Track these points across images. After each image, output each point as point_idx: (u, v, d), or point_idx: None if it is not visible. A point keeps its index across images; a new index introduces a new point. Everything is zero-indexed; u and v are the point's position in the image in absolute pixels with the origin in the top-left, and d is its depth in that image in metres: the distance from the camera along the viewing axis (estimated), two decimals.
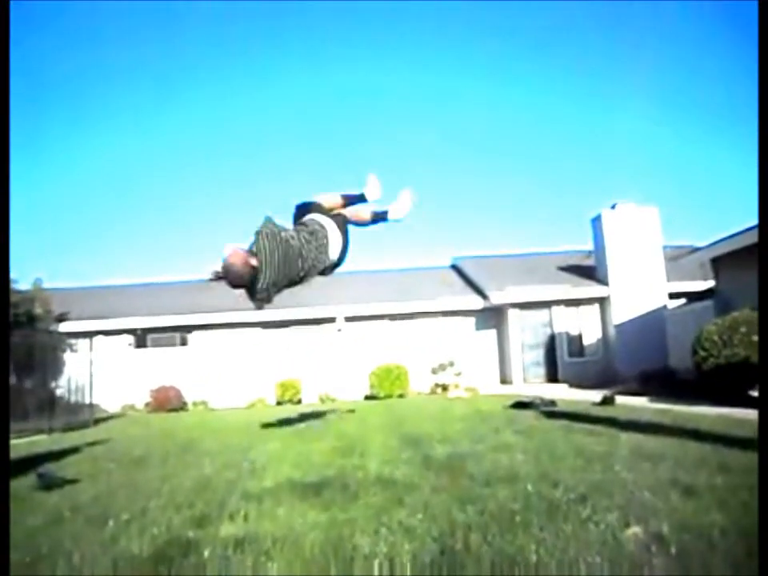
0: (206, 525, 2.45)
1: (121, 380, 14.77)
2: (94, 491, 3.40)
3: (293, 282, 3.69)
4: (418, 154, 34.05)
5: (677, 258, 12.56)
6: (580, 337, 15.53)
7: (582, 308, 15.58)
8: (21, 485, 3.61)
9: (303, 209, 3.90)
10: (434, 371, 14.67)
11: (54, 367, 11.27)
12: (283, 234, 3.53)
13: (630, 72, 29.46)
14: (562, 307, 15.57)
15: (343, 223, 3.86)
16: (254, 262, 3.35)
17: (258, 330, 16.07)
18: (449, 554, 1.88)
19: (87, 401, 11.09)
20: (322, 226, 3.73)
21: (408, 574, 1.77)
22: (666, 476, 2.81)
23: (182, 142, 34.86)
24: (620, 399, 8.24)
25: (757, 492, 2.08)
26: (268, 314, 14.87)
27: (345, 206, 4.03)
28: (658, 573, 1.64)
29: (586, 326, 15.57)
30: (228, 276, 3.38)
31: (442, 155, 35.38)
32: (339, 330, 15.95)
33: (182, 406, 14.18)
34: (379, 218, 4.13)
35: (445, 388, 14.23)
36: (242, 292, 3.56)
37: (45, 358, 10.58)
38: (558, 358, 15.35)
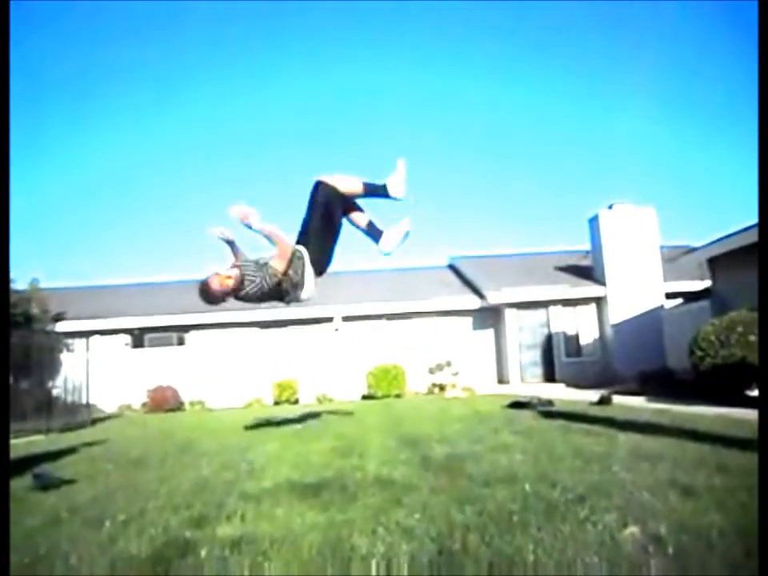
0: (203, 525, 2.44)
1: (118, 380, 14.73)
2: (92, 492, 3.39)
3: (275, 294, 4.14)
4: (416, 154, 34.01)
5: (674, 258, 12.59)
6: (577, 337, 15.55)
7: (579, 308, 15.60)
8: (18, 485, 3.59)
9: (319, 190, 3.90)
10: (431, 371, 14.67)
11: (51, 367, 11.23)
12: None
13: (628, 72, 29.56)
14: (559, 307, 15.59)
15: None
16: (231, 281, 3.93)
17: (256, 329, 16.06)
18: (447, 555, 1.88)
19: (84, 401, 11.07)
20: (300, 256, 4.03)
21: (406, 574, 1.77)
22: (664, 476, 2.81)
23: (182, 142, 34.87)
24: (617, 399, 8.26)
25: (755, 492, 2.09)
26: (265, 313, 14.87)
27: (364, 195, 3.98)
28: (657, 573, 1.64)
29: (583, 326, 15.59)
30: (204, 296, 3.98)
31: (441, 155, 35.42)
32: (336, 330, 15.94)
33: (179, 406, 14.15)
34: (376, 192, 3.97)
35: (442, 388, 14.24)
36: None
37: (42, 358, 10.55)
38: (555, 358, 15.37)
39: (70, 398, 10.83)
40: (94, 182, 34.73)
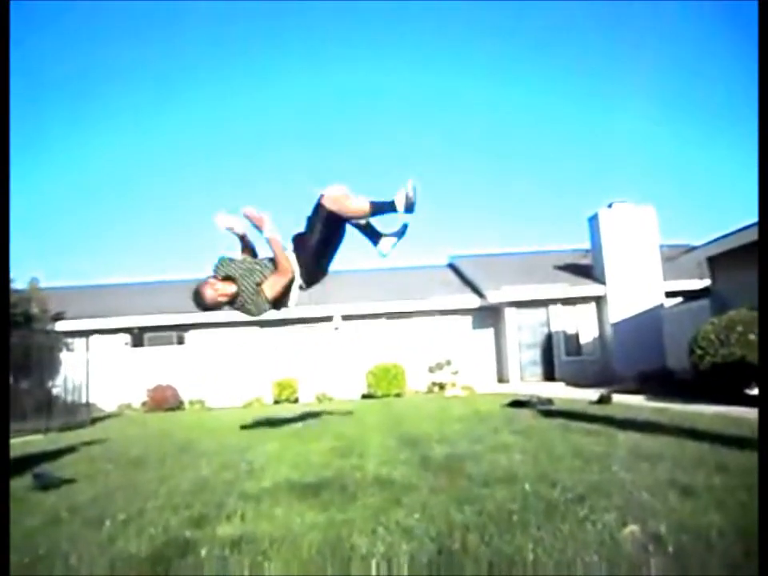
0: (203, 525, 2.44)
1: (118, 379, 14.74)
2: (92, 492, 3.39)
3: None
4: (416, 153, 34.06)
5: (673, 257, 12.59)
6: (577, 335, 15.56)
7: (579, 307, 15.60)
8: (17, 485, 3.59)
9: (319, 213, 3.92)
10: (431, 370, 14.68)
11: (51, 367, 11.23)
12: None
13: (628, 72, 29.55)
14: (558, 306, 15.60)
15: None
16: (224, 298, 4.05)
17: (255, 329, 16.05)
18: (447, 554, 1.88)
19: (84, 400, 11.06)
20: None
21: (406, 574, 1.77)
22: (663, 476, 2.81)
23: (182, 142, 34.86)
24: (617, 398, 8.26)
25: (755, 492, 2.09)
26: (265, 313, 14.83)
27: (372, 213, 3.90)
28: (656, 573, 1.65)
29: (583, 325, 15.60)
30: (197, 302, 4.06)
31: (440, 154, 35.43)
32: (336, 329, 15.94)
33: (178, 406, 14.16)
34: (384, 209, 3.87)
35: (442, 387, 14.24)
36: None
37: (41, 357, 10.55)
38: (555, 357, 15.38)
39: (69, 398, 10.83)
40: (94, 182, 34.78)
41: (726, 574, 1.63)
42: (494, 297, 15.27)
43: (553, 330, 15.55)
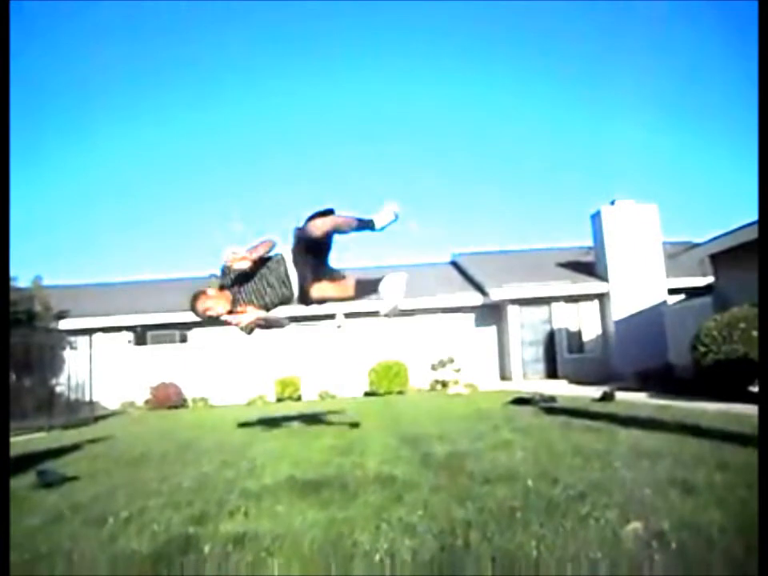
0: (205, 522, 2.45)
1: (120, 377, 14.78)
2: (94, 490, 3.40)
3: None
4: (417, 153, 34.07)
5: (676, 255, 12.56)
6: (579, 333, 15.54)
7: (582, 304, 15.58)
8: (20, 483, 3.61)
9: (300, 241, 4.15)
10: (433, 368, 14.68)
11: (54, 365, 11.27)
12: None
13: (629, 72, 29.49)
14: (561, 303, 15.58)
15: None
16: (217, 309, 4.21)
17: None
18: (448, 551, 1.88)
19: (87, 398, 11.11)
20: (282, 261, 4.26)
21: (408, 571, 1.77)
22: (665, 473, 2.81)
23: (183, 143, 34.91)
24: (619, 395, 8.24)
25: (756, 489, 2.08)
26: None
27: (356, 228, 4.10)
28: (658, 570, 1.64)
29: (586, 323, 15.58)
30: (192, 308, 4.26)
31: (442, 153, 35.40)
32: (339, 327, 15.94)
33: (181, 403, 14.19)
34: (365, 226, 4.13)
35: (444, 384, 14.25)
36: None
37: (44, 355, 10.59)
38: (558, 355, 15.37)
39: (72, 396, 10.87)
40: (99, 181, 34.83)
41: (726, 570, 1.63)
42: (496, 294, 15.25)
43: (555, 327, 15.54)
